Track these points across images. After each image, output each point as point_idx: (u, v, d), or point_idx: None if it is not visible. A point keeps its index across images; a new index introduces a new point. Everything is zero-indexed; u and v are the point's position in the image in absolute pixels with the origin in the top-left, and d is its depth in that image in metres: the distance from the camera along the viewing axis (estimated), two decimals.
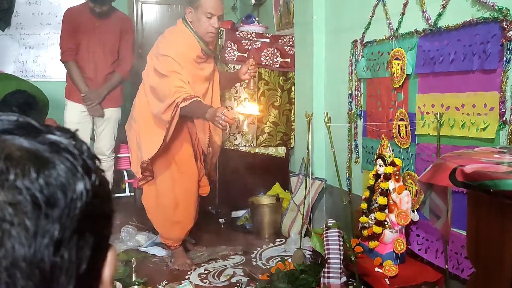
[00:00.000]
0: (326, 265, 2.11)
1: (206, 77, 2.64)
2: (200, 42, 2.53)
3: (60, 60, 3.46)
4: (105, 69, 3.48)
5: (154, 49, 2.59)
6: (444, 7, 2.03)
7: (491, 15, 1.78)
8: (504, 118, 1.76)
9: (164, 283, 2.50)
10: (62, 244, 0.39)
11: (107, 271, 0.48)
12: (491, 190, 0.81)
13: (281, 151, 3.66)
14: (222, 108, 2.31)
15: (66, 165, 0.41)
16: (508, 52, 1.72)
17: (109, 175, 3.73)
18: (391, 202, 2.21)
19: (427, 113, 2.16)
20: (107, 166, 3.70)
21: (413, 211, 2.20)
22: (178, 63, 2.43)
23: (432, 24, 2.09)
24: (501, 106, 1.76)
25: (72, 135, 0.45)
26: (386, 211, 2.22)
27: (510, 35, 1.71)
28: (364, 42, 2.68)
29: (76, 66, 3.42)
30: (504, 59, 1.74)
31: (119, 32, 3.47)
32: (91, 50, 3.42)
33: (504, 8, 1.73)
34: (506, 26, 1.72)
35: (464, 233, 1.60)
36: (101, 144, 3.64)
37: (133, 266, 2.51)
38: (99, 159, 0.48)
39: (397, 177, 2.20)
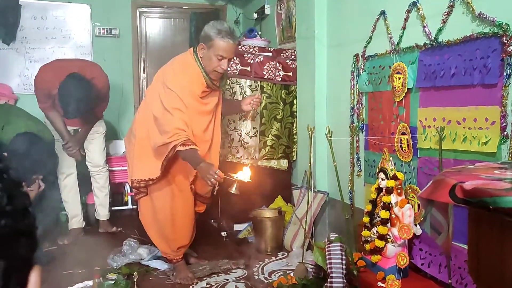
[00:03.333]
0: (329, 279, 2.10)
1: (208, 111, 2.65)
2: (207, 78, 2.54)
3: (40, 108, 3.38)
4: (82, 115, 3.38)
5: (161, 74, 2.60)
6: (444, 22, 2.04)
7: (491, 30, 1.80)
8: (505, 133, 1.77)
9: None
10: None
11: None
12: (491, 207, 0.81)
13: (283, 164, 3.66)
14: (215, 167, 2.36)
15: None
16: (509, 66, 1.73)
17: (106, 186, 3.74)
18: (393, 216, 2.20)
19: (429, 127, 2.17)
20: (104, 177, 3.71)
21: (415, 225, 2.19)
22: (182, 101, 2.45)
23: (433, 38, 2.10)
24: (502, 121, 1.77)
25: None
26: (389, 225, 2.21)
27: (510, 50, 1.72)
28: (365, 56, 2.70)
29: (58, 115, 3.35)
30: (505, 73, 1.75)
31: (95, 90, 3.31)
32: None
33: (504, 23, 1.74)
34: (506, 41, 1.73)
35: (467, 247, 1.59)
36: (94, 156, 3.66)
37: (135, 280, 2.51)
38: (7, 172, 0.42)
39: (399, 190, 2.20)
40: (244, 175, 2.43)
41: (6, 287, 0.39)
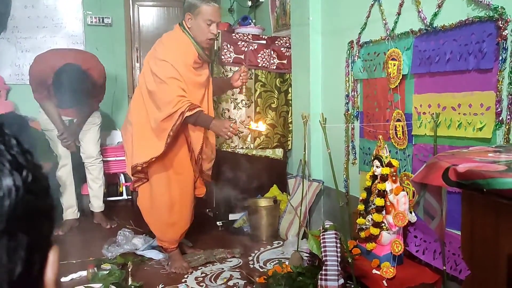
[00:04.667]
0: (324, 267, 2.09)
1: (202, 83, 2.66)
2: (198, 47, 2.55)
3: (35, 98, 3.34)
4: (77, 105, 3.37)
5: (151, 53, 2.60)
6: (439, 6, 2.02)
7: (487, 14, 1.77)
8: (500, 118, 1.75)
9: (160, 287, 2.48)
10: None
11: (50, 273, 0.45)
12: (484, 190, 0.79)
13: (279, 153, 3.64)
14: (228, 121, 2.50)
15: None
16: (504, 51, 1.71)
17: (101, 177, 3.71)
18: (388, 203, 2.19)
19: (424, 113, 2.15)
20: (97, 168, 3.68)
21: (410, 212, 2.18)
22: (177, 70, 2.45)
23: (428, 24, 2.08)
24: (497, 106, 1.75)
25: (14, 137, 0.44)
26: (384, 212, 2.20)
27: (505, 34, 1.70)
28: (360, 42, 2.67)
29: (53, 106, 3.31)
30: (500, 58, 1.73)
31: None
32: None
33: (499, 7, 1.72)
34: (501, 25, 1.71)
35: None
36: (88, 147, 3.63)
37: (129, 269, 2.50)
38: (31, 154, 0.45)
39: (394, 178, 2.19)
40: (258, 126, 2.59)
41: (28, 263, 0.41)
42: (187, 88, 2.50)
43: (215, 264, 2.79)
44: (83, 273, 2.62)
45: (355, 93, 2.77)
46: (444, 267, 1.92)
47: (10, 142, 0.43)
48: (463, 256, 1.01)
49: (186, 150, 2.68)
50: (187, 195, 2.72)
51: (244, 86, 2.78)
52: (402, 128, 2.30)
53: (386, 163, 2.21)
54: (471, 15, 1.84)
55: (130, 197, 4.20)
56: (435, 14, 2.04)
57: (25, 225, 0.40)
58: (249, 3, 4.49)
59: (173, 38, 2.59)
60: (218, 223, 3.46)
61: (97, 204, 3.69)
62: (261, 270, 2.69)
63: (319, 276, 2.08)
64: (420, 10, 2.13)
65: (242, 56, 3.46)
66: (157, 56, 2.50)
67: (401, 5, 2.28)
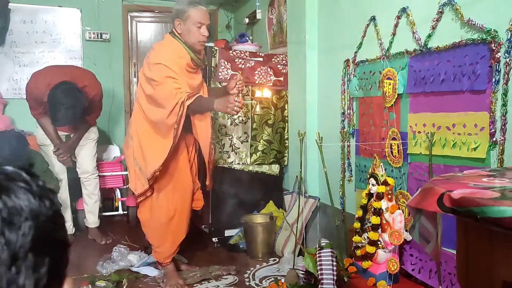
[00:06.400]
0: (319, 286, 2.09)
1: (195, 87, 2.70)
2: (189, 51, 2.59)
3: (31, 114, 3.37)
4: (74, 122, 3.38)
5: (144, 64, 2.64)
6: (433, 28, 2.05)
7: (480, 36, 1.81)
8: (494, 138, 1.77)
9: None
10: (18, 260, 0.42)
11: None
12: (478, 217, 0.80)
13: (275, 169, 3.65)
14: (232, 96, 2.44)
15: (22, 192, 0.46)
16: (497, 73, 1.74)
17: (96, 193, 3.70)
18: (384, 221, 2.20)
19: (419, 132, 2.18)
20: (93, 183, 3.67)
21: (406, 231, 2.19)
22: (171, 69, 2.49)
23: (423, 44, 2.11)
24: (491, 127, 1.78)
25: (28, 170, 0.51)
26: (379, 230, 2.21)
27: (498, 56, 1.73)
28: (356, 61, 2.71)
29: (49, 122, 3.32)
30: (493, 80, 1.76)
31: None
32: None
33: (492, 30, 1.75)
34: (494, 48, 1.74)
35: None
36: (84, 162, 3.63)
37: (124, 287, 2.48)
38: (54, 192, 0.52)
39: (389, 196, 2.20)
40: (262, 94, 2.60)
41: (48, 284, 0.45)
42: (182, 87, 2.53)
43: (210, 281, 2.77)
44: None
45: (351, 111, 2.79)
46: (440, 287, 1.92)
47: (37, 181, 0.50)
48: (458, 281, 1.02)
49: (186, 160, 2.72)
50: (185, 204, 2.74)
51: (240, 95, 2.80)
52: (398, 147, 2.32)
53: (381, 181, 2.23)
54: (465, 37, 1.88)
55: (126, 212, 4.18)
56: (429, 35, 2.08)
57: (46, 248, 0.45)
58: (246, 20, 4.54)
59: (165, 44, 2.63)
60: (213, 239, 3.45)
61: (92, 220, 3.68)
62: (257, 287, 2.68)
63: None
64: (414, 31, 2.17)
65: (239, 73, 3.49)
66: (150, 62, 2.54)
67: (396, 26, 2.32)
